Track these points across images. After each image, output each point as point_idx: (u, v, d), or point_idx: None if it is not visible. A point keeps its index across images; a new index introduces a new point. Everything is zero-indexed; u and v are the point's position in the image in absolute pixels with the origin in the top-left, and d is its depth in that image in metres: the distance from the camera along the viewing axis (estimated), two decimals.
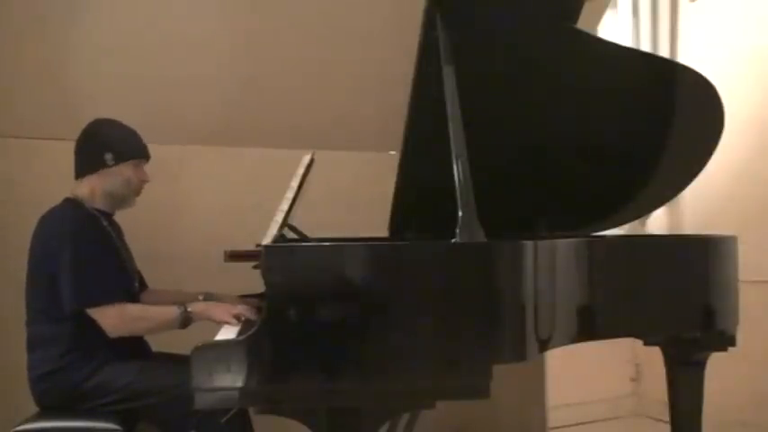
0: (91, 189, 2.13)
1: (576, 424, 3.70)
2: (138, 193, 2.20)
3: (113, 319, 1.99)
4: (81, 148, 2.14)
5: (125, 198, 2.18)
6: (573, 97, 2.16)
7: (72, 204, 2.11)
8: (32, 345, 2.04)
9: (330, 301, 1.53)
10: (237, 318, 1.98)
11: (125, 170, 2.14)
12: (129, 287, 2.20)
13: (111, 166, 2.11)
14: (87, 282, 1.99)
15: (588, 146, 2.24)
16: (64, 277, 1.98)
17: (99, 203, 2.14)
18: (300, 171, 2.22)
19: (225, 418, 1.85)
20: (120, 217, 2.27)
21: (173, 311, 2.04)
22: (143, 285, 2.33)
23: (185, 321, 2.04)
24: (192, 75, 2.83)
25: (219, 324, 2.01)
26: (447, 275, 1.59)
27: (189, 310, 2.04)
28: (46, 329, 2.02)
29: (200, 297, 2.21)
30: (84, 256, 2.00)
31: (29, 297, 2.06)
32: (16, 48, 2.62)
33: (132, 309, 2.09)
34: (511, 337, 1.63)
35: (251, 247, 2.22)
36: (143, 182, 2.19)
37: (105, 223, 2.15)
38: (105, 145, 2.11)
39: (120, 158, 2.11)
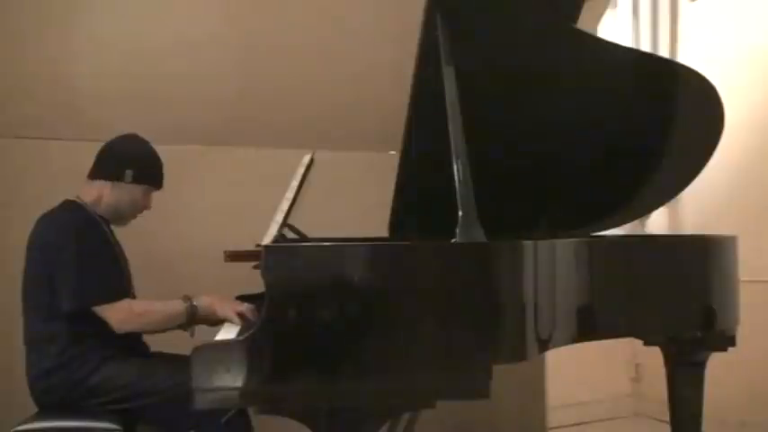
0: (99, 195, 2.14)
1: (576, 424, 3.70)
2: (134, 216, 2.23)
3: (121, 314, 2.00)
4: (107, 153, 2.16)
5: (124, 216, 2.20)
6: (573, 97, 2.15)
7: (72, 206, 2.12)
8: (30, 344, 2.05)
9: (330, 301, 1.53)
10: (241, 315, 1.99)
11: (136, 191, 2.16)
12: (129, 291, 2.20)
13: (126, 183, 2.13)
14: (91, 280, 2.00)
15: (588, 146, 2.24)
16: (64, 276, 1.98)
17: (101, 211, 2.15)
18: (300, 171, 2.22)
19: (225, 418, 1.85)
20: None
21: (178, 305, 2.05)
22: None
23: (191, 315, 2.05)
24: (193, 75, 2.84)
25: (223, 318, 2.02)
26: (447, 275, 1.59)
27: (194, 303, 2.05)
28: (43, 328, 2.02)
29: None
30: (87, 254, 2.01)
31: (26, 296, 2.07)
32: (17, 48, 2.63)
33: (139, 304, 2.10)
34: (511, 337, 1.63)
35: (251, 247, 2.22)
36: (144, 208, 2.22)
37: (105, 228, 2.16)
38: (131, 161, 2.14)
39: (137, 180, 2.15)
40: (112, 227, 2.23)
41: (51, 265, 2.00)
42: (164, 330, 2.12)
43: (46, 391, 1.99)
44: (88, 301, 1.98)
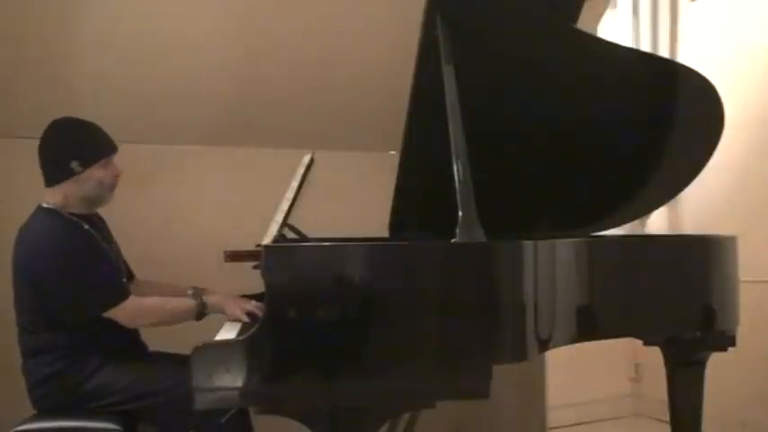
0: (64, 196, 2.06)
1: (576, 424, 3.70)
2: (113, 188, 2.13)
3: (131, 312, 2.00)
4: (45, 159, 2.06)
5: (101, 197, 2.12)
6: (572, 97, 2.16)
7: (48, 214, 2.05)
8: (27, 354, 2.03)
9: (330, 301, 1.53)
10: (251, 315, 1.98)
11: (95, 173, 2.06)
12: (129, 280, 2.20)
13: (79, 173, 2.04)
14: (89, 291, 1.98)
15: (588, 145, 2.24)
16: (61, 293, 1.96)
17: (75, 209, 2.08)
18: (300, 171, 2.22)
19: (225, 418, 1.84)
20: (119, 217, 2.26)
21: (189, 302, 2.05)
22: (131, 276, 2.31)
23: (200, 313, 2.05)
24: (193, 75, 2.83)
25: (231, 318, 2.02)
26: (447, 275, 1.59)
27: (204, 301, 2.05)
28: (39, 340, 2.00)
29: (189, 291, 2.16)
30: (77, 266, 1.98)
31: (18, 309, 2.04)
32: (16, 48, 2.62)
33: (149, 301, 2.08)
34: (511, 337, 1.63)
35: (251, 247, 2.22)
36: (116, 177, 2.12)
37: (86, 226, 2.08)
38: (68, 153, 2.03)
39: (87, 164, 2.04)
40: (111, 215, 2.20)
41: (42, 282, 1.96)
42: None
43: (45, 396, 1.99)
44: (92, 312, 1.97)
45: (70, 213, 2.07)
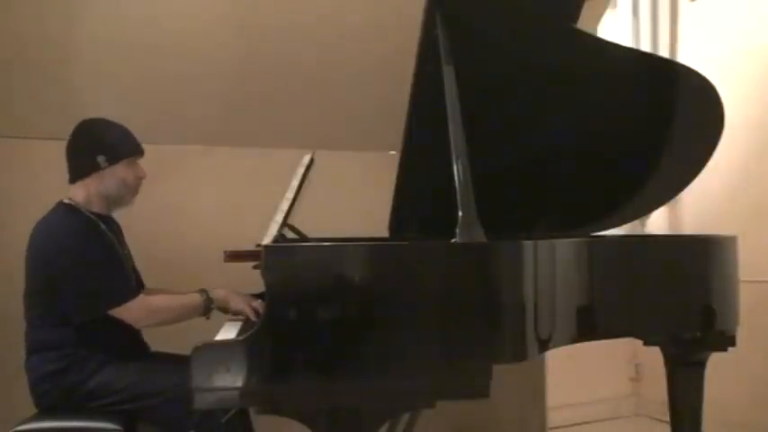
0: (86, 193, 2.09)
1: (576, 424, 3.70)
2: (135, 191, 2.16)
3: (139, 312, 2.01)
4: (72, 152, 2.11)
5: (122, 198, 2.14)
6: (573, 97, 2.16)
7: (67, 210, 2.07)
8: (32, 350, 2.04)
9: (330, 301, 1.53)
10: (255, 311, 1.99)
11: (119, 170, 2.10)
12: (138, 284, 2.20)
13: (104, 169, 2.07)
14: (98, 289, 1.99)
15: (588, 145, 2.24)
16: (71, 289, 1.97)
17: (95, 207, 2.11)
18: (300, 171, 2.22)
19: (225, 418, 1.85)
20: (120, 217, 2.26)
21: (195, 298, 2.07)
22: (140, 285, 2.32)
23: (207, 308, 2.07)
24: (192, 74, 2.83)
25: (236, 312, 2.03)
26: (447, 275, 1.59)
27: (210, 296, 2.07)
28: (46, 335, 2.01)
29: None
30: (89, 263, 1.99)
31: (27, 304, 2.05)
32: (17, 48, 2.62)
33: (156, 300, 2.10)
34: (511, 337, 1.63)
35: (251, 247, 2.22)
36: (139, 179, 2.16)
37: (103, 227, 2.11)
38: (97, 147, 2.07)
39: (113, 159, 2.08)
40: (114, 216, 2.21)
41: (54, 277, 1.98)
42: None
43: (48, 393, 1.99)
44: (99, 310, 1.98)
45: (90, 212, 2.10)
